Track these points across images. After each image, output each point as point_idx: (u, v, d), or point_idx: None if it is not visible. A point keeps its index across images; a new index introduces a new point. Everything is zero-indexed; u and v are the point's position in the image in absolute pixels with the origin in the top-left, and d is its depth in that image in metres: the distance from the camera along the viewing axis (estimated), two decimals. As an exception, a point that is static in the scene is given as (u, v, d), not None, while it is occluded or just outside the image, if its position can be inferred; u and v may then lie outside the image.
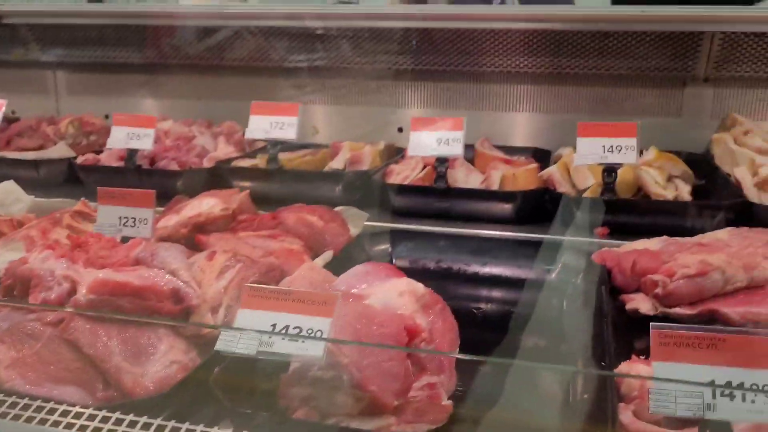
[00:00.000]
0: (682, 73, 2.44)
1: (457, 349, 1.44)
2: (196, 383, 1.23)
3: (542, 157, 2.48)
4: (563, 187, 2.05)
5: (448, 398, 1.26)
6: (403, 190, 2.11)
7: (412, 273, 1.98)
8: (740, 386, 0.94)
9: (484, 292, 1.88)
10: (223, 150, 2.56)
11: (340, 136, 2.74)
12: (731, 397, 0.94)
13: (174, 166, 2.40)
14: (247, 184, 2.22)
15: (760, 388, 0.94)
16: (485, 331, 1.69)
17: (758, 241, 1.63)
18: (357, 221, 2.00)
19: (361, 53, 2.76)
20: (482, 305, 1.81)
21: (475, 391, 1.36)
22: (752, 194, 1.91)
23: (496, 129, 2.77)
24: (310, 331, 1.09)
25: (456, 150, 2.04)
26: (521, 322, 1.71)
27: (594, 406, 1.20)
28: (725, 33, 2.25)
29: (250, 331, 1.09)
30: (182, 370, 1.27)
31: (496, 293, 1.87)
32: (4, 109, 2.47)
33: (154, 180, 2.33)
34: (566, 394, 1.28)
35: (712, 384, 0.94)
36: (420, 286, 1.43)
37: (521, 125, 2.79)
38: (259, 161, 2.40)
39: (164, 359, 1.28)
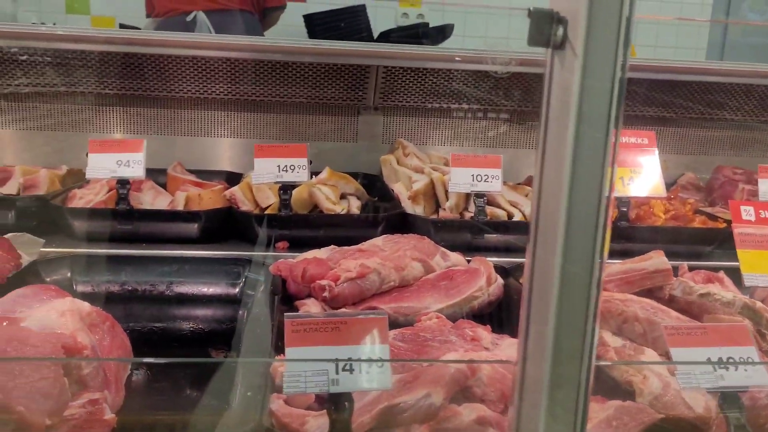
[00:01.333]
0: (355, 102, 2.71)
1: (129, 366, 1.46)
2: None
3: (235, 179, 2.57)
4: (246, 206, 2.15)
5: (115, 412, 1.27)
6: (82, 213, 2.05)
7: (94, 297, 1.96)
8: (359, 360, 1.09)
9: (171, 311, 1.91)
10: None
11: (26, 162, 2.56)
12: (351, 370, 1.08)
13: None
14: None
15: (377, 359, 1.10)
16: (173, 348, 1.73)
17: (406, 245, 1.88)
18: (31, 248, 1.90)
19: (51, 76, 2.63)
20: (167, 324, 1.84)
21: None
22: (407, 206, 2.19)
23: (193, 154, 2.80)
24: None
25: (137, 172, 2.04)
26: (206, 336, 1.78)
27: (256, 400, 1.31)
28: (387, 67, 2.55)
29: None
30: None
31: (183, 311, 1.91)
32: None
33: None
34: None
35: (334, 360, 1.08)
36: (85, 305, 1.42)
37: (216, 150, 2.86)
38: None
39: None
